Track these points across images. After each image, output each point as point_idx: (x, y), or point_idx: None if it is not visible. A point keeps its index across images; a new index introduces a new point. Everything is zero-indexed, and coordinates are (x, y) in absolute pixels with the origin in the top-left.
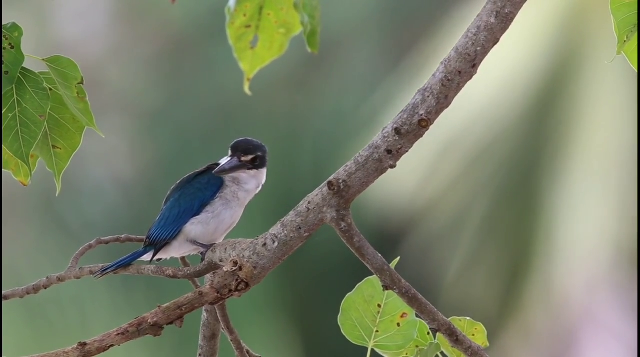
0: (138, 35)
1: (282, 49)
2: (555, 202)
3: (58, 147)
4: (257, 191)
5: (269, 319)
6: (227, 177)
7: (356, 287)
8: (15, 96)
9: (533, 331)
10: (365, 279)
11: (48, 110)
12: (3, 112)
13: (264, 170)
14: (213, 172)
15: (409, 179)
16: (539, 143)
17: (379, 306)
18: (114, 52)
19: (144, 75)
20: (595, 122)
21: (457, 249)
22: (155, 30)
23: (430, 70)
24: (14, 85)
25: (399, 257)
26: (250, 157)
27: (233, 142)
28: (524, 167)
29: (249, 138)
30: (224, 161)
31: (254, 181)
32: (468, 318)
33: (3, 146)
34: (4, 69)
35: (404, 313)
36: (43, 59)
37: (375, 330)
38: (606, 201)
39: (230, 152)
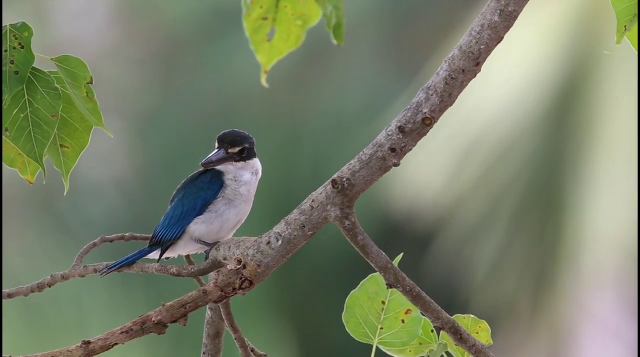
0: (135, 35)
1: (299, 41)
2: (579, 199)
3: (66, 146)
4: (258, 179)
5: (266, 318)
6: (227, 176)
7: (360, 284)
8: (26, 96)
9: (558, 330)
10: (369, 275)
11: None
12: (14, 112)
13: (253, 161)
14: (200, 163)
15: (435, 180)
16: (562, 141)
17: (383, 302)
18: (111, 52)
19: (141, 75)
20: (615, 119)
21: (485, 249)
22: (153, 31)
23: (431, 68)
24: (24, 86)
25: (401, 254)
26: (237, 149)
27: (219, 134)
28: (548, 166)
29: (235, 130)
30: (211, 153)
31: (246, 173)
32: (472, 316)
33: (15, 146)
34: (14, 68)
35: (408, 310)
36: (52, 59)
37: (379, 327)
38: (624, 199)
39: (216, 144)
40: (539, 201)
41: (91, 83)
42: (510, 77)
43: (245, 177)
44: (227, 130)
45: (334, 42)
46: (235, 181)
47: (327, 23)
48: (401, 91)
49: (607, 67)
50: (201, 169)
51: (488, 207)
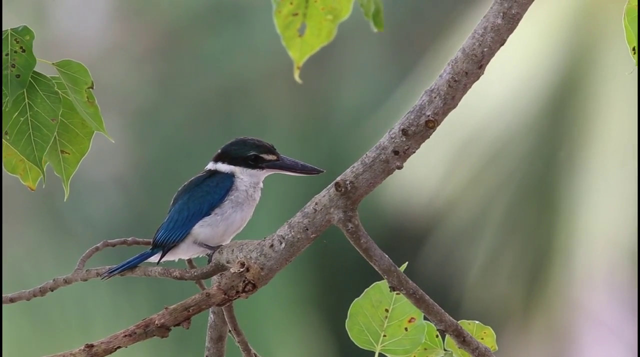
0: (134, 32)
1: (330, 36)
2: (574, 198)
3: (67, 152)
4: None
5: (298, 317)
6: (239, 180)
7: (364, 292)
8: (26, 100)
9: (552, 329)
10: (373, 284)
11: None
12: (14, 116)
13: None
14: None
15: (428, 179)
16: (556, 140)
17: (387, 310)
18: (110, 50)
19: (140, 73)
20: (611, 118)
21: (479, 248)
22: (151, 28)
23: (437, 70)
24: (25, 89)
25: (406, 263)
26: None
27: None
28: (542, 165)
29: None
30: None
31: (260, 178)
32: (477, 322)
33: (15, 149)
34: (15, 72)
35: (412, 318)
36: (53, 64)
37: (382, 334)
38: (619, 198)
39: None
40: (533, 200)
41: (92, 88)
42: (506, 75)
43: (261, 183)
44: (259, 139)
45: (374, 29)
46: (250, 185)
47: (364, 12)
48: (409, 93)
49: (602, 66)
50: (203, 172)
51: (482, 206)
